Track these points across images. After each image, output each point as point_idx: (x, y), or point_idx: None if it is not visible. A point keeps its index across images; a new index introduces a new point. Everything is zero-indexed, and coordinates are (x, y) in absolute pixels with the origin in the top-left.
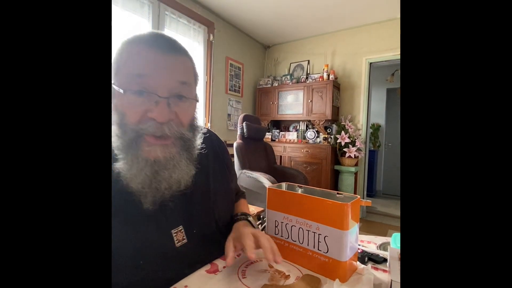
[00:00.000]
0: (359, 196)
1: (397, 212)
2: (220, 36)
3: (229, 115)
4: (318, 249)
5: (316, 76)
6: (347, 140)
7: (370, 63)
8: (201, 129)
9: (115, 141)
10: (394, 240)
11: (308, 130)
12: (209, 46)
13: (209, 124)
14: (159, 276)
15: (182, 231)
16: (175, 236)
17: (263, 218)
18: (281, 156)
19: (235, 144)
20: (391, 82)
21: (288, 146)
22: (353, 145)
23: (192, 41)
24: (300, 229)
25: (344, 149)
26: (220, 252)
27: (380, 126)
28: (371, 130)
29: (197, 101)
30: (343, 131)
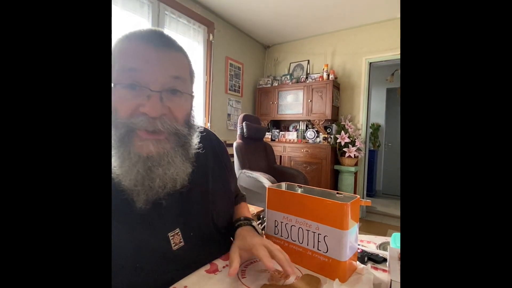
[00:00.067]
0: (358, 196)
1: (397, 212)
2: (220, 36)
3: (229, 115)
4: (317, 249)
5: (316, 76)
6: (347, 140)
7: (370, 63)
8: (198, 128)
9: None
10: (394, 240)
11: (308, 130)
12: (209, 46)
13: (208, 124)
14: (156, 278)
15: (179, 233)
16: (172, 239)
17: (263, 218)
18: (281, 156)
19: (235, 144)
20: (391, 82)
21: (288, 146)
22: (353, 145)
23: (192, 41)
24: (300, 229)
25: (344, 149)
26: (219, 252)
27: (380, 126)
28: (371, 130)
29: (193, 96)
30: (343, 131)
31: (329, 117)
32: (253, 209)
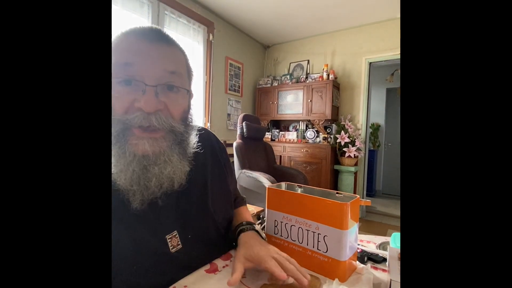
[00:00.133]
0: (358, 196)
1: (397, 212)
2: (220, 36)
3: (228, 114)
4: (317, 249)
5: (315, 76)
6: (347, 140)
7: (370, 63)
8: (197, 126)
9: None
10: (394, 240)
11: (308, 129)
12: (209, 46)
13: (208, 124)
14: (154, 279)
15: (176, 236)
16: (169, 241)
17: (263, 218)
18: (280, 156)
19: (234, 144)
20: (390, 82)
21: (287, 146)
22: (353, 145)
23: (191, 40)
24: (300, 228)
25: (343, 149)
26: (219, 253)
27: (379, 125)
28: (370, 130)
29: (189, 92)
30: (342, 131)
31: (329, 117)
32: (253, 209)
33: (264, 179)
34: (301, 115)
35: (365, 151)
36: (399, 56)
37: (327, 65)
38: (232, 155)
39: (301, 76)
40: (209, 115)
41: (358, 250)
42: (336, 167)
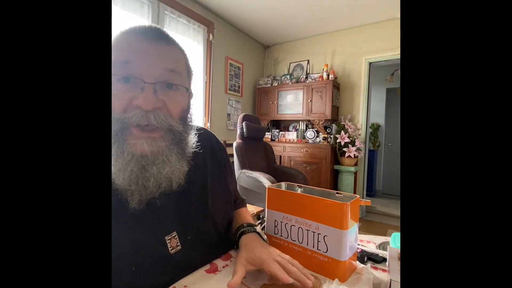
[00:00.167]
0: (358, 196)
1: (397, 212)
2: (220, 36)
3: (228, 114)
4: (317, 249)
5: (315, 76)
6: (347, 140)
7: (370, 63)
8: (196, 126)
9: None
10: (394, 240)
11: (308, 129)
12: (209, 46)
13: (208, 124)
14: (153, 280)
15: (175, 237)
16: (168, 242)
17: (263, 217)
18: (280, 156)
19: (234, 144)
20: (390, 82)
21: (287, 146)
22: (353, 145)
23: (191, 40)
24: (300, 228)
25: (343, 149)
26: (219, 254)
27: (379, 125)
28: (370, 130)
29: (189, 90)
30: (342, 131)
31: (329, 117)
32: (253, 209)
33: (264, 179)
34: (301, 115)
35: (365, 151)
36: (399, 56)
37: (327, 65)
38: (232, 155)
39: (301, 76)
40: (209, 115)
41: (358, 250)
42: (336, 167)
